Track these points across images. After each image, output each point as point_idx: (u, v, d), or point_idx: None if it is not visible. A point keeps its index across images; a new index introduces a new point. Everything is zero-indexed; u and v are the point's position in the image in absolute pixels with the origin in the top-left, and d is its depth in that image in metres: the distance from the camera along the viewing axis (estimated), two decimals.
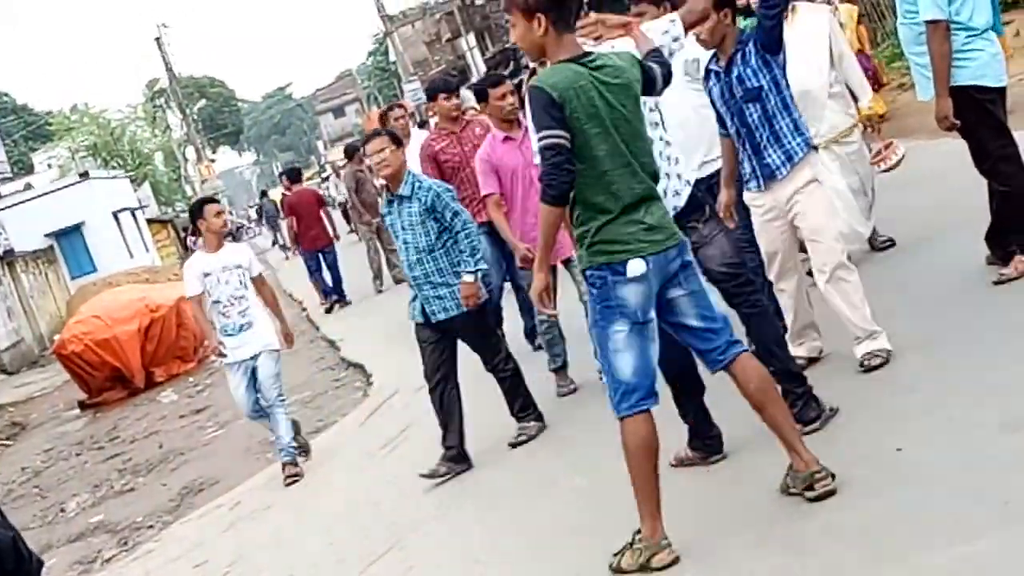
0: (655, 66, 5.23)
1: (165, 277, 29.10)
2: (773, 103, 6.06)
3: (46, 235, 40.58)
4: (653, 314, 4.98)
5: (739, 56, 6.04)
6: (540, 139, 4.86)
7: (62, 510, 11.77)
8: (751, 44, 6.04)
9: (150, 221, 50.76)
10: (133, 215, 46.86)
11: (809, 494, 5.00)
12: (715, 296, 5.18)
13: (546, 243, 4.96)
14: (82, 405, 18.76)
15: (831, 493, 4.97)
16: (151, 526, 10.15)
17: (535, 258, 5.06)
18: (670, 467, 5.70)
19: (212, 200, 9.82)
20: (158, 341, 18.92)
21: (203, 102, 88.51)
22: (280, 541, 7.93)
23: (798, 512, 4.96)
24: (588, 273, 4.98)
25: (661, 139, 5.67)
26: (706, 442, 5.87)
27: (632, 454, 4.93)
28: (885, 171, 8.35)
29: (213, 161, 55.19)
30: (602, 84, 4.90)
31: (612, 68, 4.95)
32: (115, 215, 43.94)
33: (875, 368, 6.15)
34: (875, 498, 4.83)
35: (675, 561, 4.86)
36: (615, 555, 5.02)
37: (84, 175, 44.70)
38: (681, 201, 5.68)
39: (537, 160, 4.95)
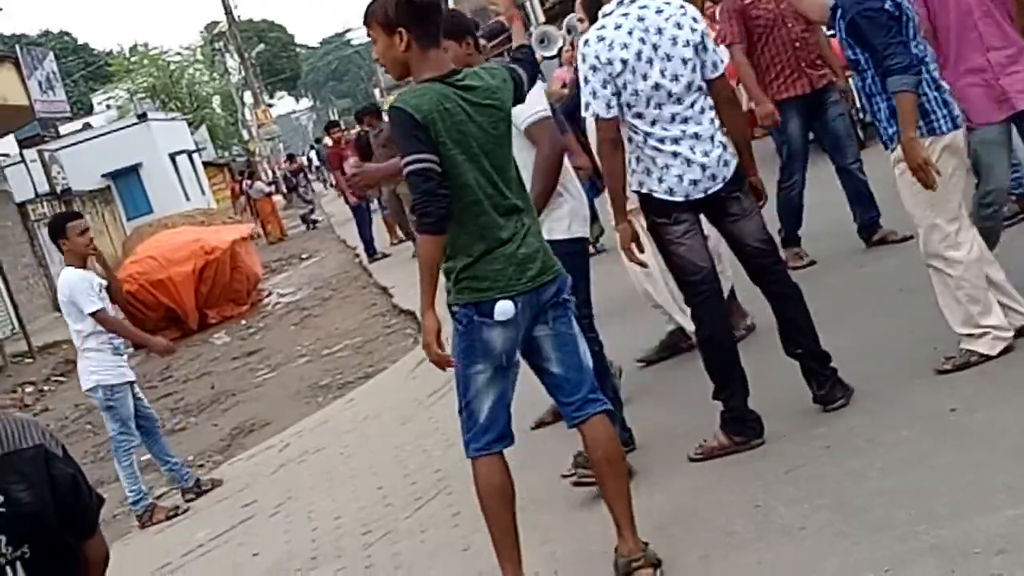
0: (520, 70, 4.95)
1: (220, 220, 29.31)
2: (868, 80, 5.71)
3: (103, 175, 40.89)
4: (518, 356, 4.70)
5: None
6: (406, 165, 4.50)
7: None
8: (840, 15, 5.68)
9: (206, 164, 51.03)
10: (190, 158, 47.10)
11: None
12: (584, 345, 4.83)
13: (430, 281, 4.53)
14: (135, 345, 18.96)
15: None
16: (202, 465, 10.26)
17: (423, 300, 4.59)
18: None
19: (76, 216, 9.10)
20: (212, 283, 19.04)
21: (261, 46, 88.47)
22: (329, 483, 7.98)
23: (848, 475, 4.93)
24: (454, 310, 4.67)
25: (711, 109, 5.58)
26: (750, 425, 5.65)
27: (483, 498, 4.70)
28: None
29: (270, 106, 55.30)
30: (471, 105, 4.57)
31: (482, 89, 4.62)
32: (172, 157, 44.19)
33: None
34: (928, 459, 4.80)
35: None
36: None
37: (142, 117, 44.95)
38: (729, 171, 5.57)
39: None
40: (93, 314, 8.40)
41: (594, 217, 11.39)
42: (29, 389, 17.63)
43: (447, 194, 4.47)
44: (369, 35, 4.73)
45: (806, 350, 5.68)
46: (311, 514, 7.45)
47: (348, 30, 70.73)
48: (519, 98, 4.90)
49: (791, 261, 8.29)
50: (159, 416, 9.56)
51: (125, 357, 8.71)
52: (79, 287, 8.40)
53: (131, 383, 8.63)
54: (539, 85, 5.63)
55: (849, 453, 5.15)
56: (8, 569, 2.97)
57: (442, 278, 4.59)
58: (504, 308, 4.55)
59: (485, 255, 4.55)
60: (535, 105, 5.64)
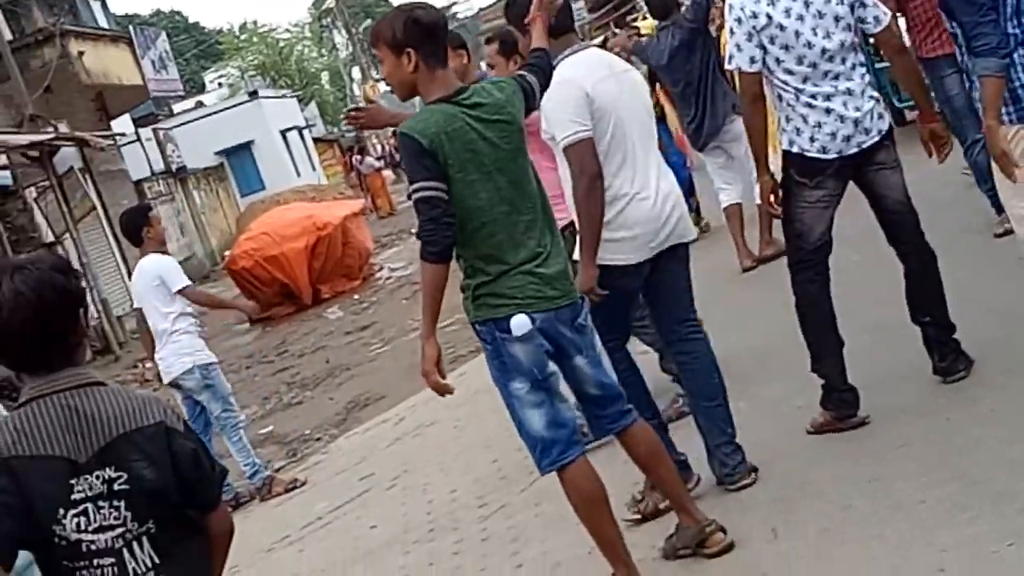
0: (531, 77, 4.86)
1: (331, 195, 29.56)
2: None
3: (216, 153, 41.46)
4: (553, 366, 4.63)
5: None
6: (413, 192, 4.51)
7: None
8: None
9: (316, 140, 51.48)
10: (300, 134, 47.56)
11: (705, 551, 4.83)
12: (608, 362, 4.86)
13: (432, 308, 4.55)
14: (251, 320, 19.26)
15: (728, 548, 4.82)
16: (318, 438, 10.40)
17: (425, 327, 4.59)
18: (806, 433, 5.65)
19: (149, 207, 9.55)
20: (325, 258, 19.24)
21: (369, 22, 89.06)
22: (443, 457, 8.05)
23: (969, 446, 4.86)
24: (476, 328, 4.66)
25: (863, 65, 5.48)
26: (843, 396, 5.57)
27: (576, 508, 4.69)
28: None
29: (378, 81, 55.40)
30: (480, 123, 4.52)
31: (490, 105, 4.57)
32: (283, 134, 44.66)
33: None
34: None
35: None
36: None
37: (253, 94, 45.49)
38: (884, 125, 5.47)
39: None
40: (182, 290, 8.57)
41: (691, 191, 11.25)
42: (149, 364, 17.97)
43: (452, 222, 4.47)
44: (375, 55, 4.74)
45: (934, 319, 5.59)
46: (427, 487, 7.52)
47: (454, 3, 70.72)
48: (530, 107, 4.84)
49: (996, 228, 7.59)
50: (276, 390, 9.71)
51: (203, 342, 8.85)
52: (169, 267, 8.61)
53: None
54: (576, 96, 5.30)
55: (970, 424, 5.08)
56: (135, 544, 3.04)
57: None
58: (520, 323, 4.53)
59: (503, 274, 4.55)
60: (572, 122, 5.23)
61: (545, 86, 4.94)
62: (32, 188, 21.03)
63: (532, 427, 4.63)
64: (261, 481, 8.76)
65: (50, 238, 20.64)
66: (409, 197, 5.03)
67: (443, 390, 4.65)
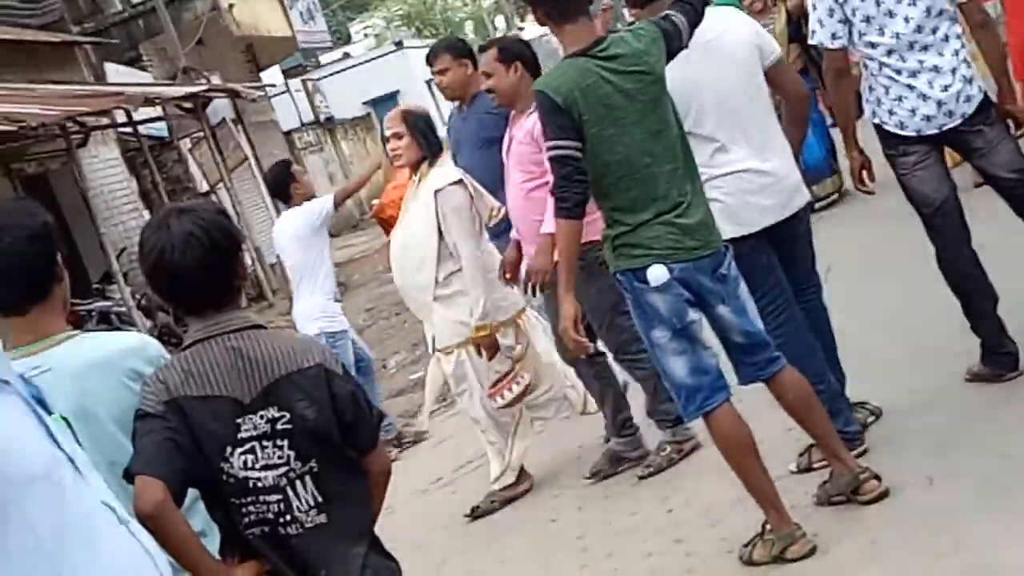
0: (677, 17, 4.73)
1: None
2: None
3: (364, 103, 41.89)
4: (693, 315, 4.63)
5: None
6: (547, 151, 4.59)
7: (383, 366, 12.27)
8: None
9: None
10: None
11: (859, 498, 4.76)
12: (754, 308, 4.81)
13: (568, 265, 4.64)
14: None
15: (883, 495, 4.74)
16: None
17: (563, 284, 4.68)
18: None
19: (290, 162, 9.44)
20: None
21: None
22: (594, 403, 8.07)
23: None
24: (617, 278, 4.69)
25: (958, 38, 5.29)
26: (999, 358, 5.44)
27: (724, 452, 4.69)
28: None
29: (522, 30, 55.33)
30: (617, 75, 4.51)
31: (627, 56, 4.54)
32: (428, 84, 44.89)
33: None
34: None
35: (812, 551, 4.59)
36: (744, 546, 4.76)
37: (399, 44, 45.82)
38: (970, 108, 5.26)
39: None
40: (338, 204, 8.78)
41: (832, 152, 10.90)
42: None
43: (583, 180, 4.53)
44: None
45: None
46: (576, 431, 7.54)
47: None
48: (675, 49, 4.74)
49: None
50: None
51: (340, 305, 8.85)
52: (315, 208, 8.55)
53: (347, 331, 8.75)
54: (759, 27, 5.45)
55: None
56: (298, 483, 3.12)
57: None
58: (657, 274, 4.54)
59: (641, 225, 4.56)
60: (767, 45, 5.35)
61: (696, 23, 4.84)
62: (186, 139, 21.48)
63: (675, 375, 4.67)
64: (394, 432, 8.81)
65: (204, 188, 21.07)
66: None
67: (581, 347, 4.75)
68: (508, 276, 6.34)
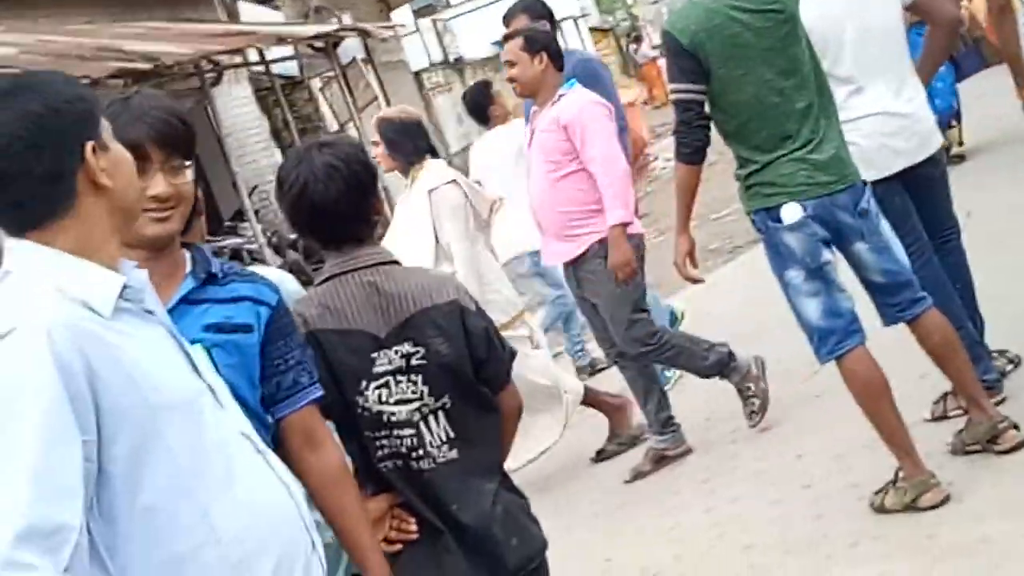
0: None
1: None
2: None
3: (492, 43, 41.72)
4: (828, 255, 4.58)
5: None
6: (670, 93, 4.58)
7: None
8: None
9: (591, 30, 51.29)
10: (575, 24, 47.45)
11: (996, 447, 4.64)
12: (899, 246, 4.71)
13: (684, 206, 4.73)
14: None
15: (1021, 445, 4.62)
16: None
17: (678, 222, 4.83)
18: None
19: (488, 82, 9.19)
20: None
21: None
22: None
23: None
24: (751, 218, 4.66)
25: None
26: None
27: (857, 397, 4.62)
28: None
29: None
30: (746, 13, 4.44)
31: None
32: (558, 23, 44.70)
33: None
34: None
35: (945, 500, 4.49)
36: (876, 493, 4.68)
37: None
38: None
39: None
40: None
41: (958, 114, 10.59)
42: None
43: (704, 125, 4.56)
44: None
45: None
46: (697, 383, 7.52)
47: None
48: None
49: None
50: None
51: None
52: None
53: None
54: None
55: None
56: (431, 418, 3.14)
57: None
58: (790, 212, 4.50)
59: (773, 163, 4.51)
60: None
61: None
62: (317, 78, 21.65)
63: (809, 317, 4.62)
64: (588, 361, 8.77)
65: (335, 127, 21.25)
66: None
67: (694, 279, 5.00)
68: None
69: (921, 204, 5.17)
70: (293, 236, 16.16)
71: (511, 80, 6.18)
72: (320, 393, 2.85)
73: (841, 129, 4.70)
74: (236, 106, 19.22)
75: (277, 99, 19.39)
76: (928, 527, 4.47)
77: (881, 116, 5.02)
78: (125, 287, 2.28)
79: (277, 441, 2.76)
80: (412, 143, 6.24)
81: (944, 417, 5.16)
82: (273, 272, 3.36)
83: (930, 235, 5.21)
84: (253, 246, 15.50)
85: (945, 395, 5.16)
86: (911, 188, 5.12)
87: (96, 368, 2.17)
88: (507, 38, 6.28)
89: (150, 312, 2.36)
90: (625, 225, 5.85)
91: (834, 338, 4.58)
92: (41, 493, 2.07)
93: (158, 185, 2.67)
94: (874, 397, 4.60)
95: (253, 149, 19.24)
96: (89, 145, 2.27)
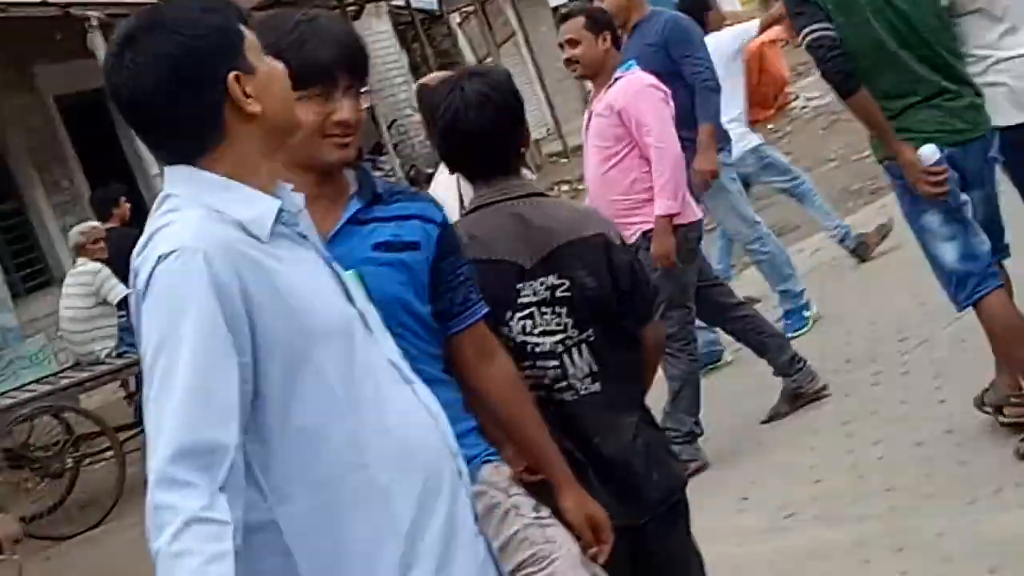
0: None
1: (747, 17, 28.96)
2: None
3: None
4: (964, 196, 4.57)
5: None
6: (802, 41, 4.53)
7: None
8: None
9: None
10: None
11: (1001, 418, 4.70)
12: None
13: (879, 127, 4.55)
14: None
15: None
16: (732, 265, 10.37)
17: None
18: None
19: None
20: None
21: None
22: (862, 289, 7.94)
23: None
24: (886, 164, 4.58)
25: None
26: None
27: (996, 341, 4.61)
28: None
29: None
30: None
31: None
32: None
33: None
34: None
35: None
36: (1021, 440, 4.60)
37: None
38: None
39: None
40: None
41: None
42: (564, 188, 18.43)
43: (844, 52, 4.45)
44: None
45: None
46: (843, 317, 7.43)
47: None
48: None
49: None
50: None
51: None
52: (739, 31, 8.91)
53: None
54: None
55: None
56: (574, 350, 3.14)
57: None
58: (927, 152, 4.43)
59: (907, 109, 4.49)
60: None
61: None
62: (456, 13, 21.71)
63: (946, 261, 4.59)
64: (856, 243, 8.67)
65: (473, 62, 21.30)
66: None
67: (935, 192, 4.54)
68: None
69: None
70: (430, 170, 16.27)
71: (569, 61, 5.95)
72: (488, 309, 2.85)
73: (975, 78, 4.64)
74: (376, 40, 19.34)
75: (416, 34, 19.49)
76: None
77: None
78: (281, 211, 2.31)
79: (448, 359, 2.77)
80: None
81: None
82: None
83: None
84: (392, 179, 15.63)
85: None
86: None
87: (252, 290, 2.20)
88: (566, 17, 6.05)
89: (304, 237, 2.38)
90: (671, 216, 5.65)
91: (973, 280, 4.55)
92: (199, 412, 2.11)
93: (345, 110, 2.65)
94: (1012, 339, 4.57)
95: (393, 83, 19.39)
96: (232, 76, 2.27)
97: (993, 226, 4.69)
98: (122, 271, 7.88)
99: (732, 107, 8.24)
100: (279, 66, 2.38)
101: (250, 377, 2.20)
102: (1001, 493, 4.51)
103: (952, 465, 4.89)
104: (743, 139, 8.42)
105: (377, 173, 13.84)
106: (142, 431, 7.92)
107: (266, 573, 2.27)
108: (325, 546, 2.29)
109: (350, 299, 2.41)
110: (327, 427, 2.29)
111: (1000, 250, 4.74)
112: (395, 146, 16.15)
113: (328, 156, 2.63)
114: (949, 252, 4.57)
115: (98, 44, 11.76)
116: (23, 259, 13.97)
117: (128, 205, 10.84)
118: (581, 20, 5.86)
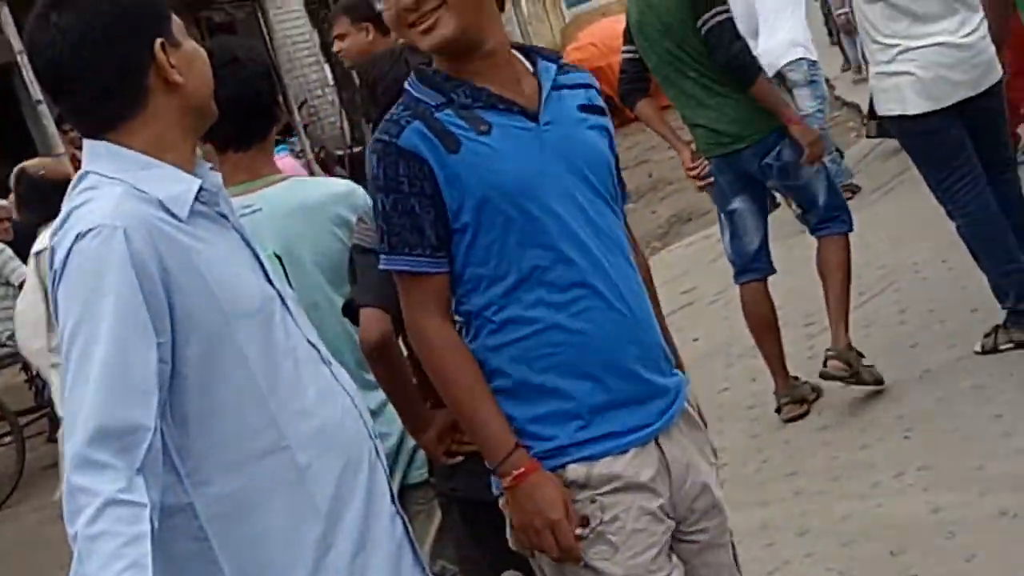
0: None
1: None
2: None
3: None
4: (734, 205, 5.60)
5: None
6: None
7: None
8: None
9: None
10: None
11: (821, 370, 5.36)
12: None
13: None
14: None
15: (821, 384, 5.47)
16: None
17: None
18: None
19: None
20: None
21: None
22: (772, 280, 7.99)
23: None
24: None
25: None
26: None
27: (749, 327, 5.78)
28: None
29: None
30: None
31: None
32: None
33: None
34: None
35: None
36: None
37: None
38: None
39: None
40: None
41: None
42: None
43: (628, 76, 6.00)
44: None
45: None
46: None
47: None
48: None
49: None
50: None
51: None
52: None
53: None
54: None
55: None
56: None
57: None
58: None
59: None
60: None
61: None
62: None
63: (726, 248, 5.91)
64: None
65: None
66: None
67: None
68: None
69: (977, 136, 5.15)
70: (340, 152, 16.17)
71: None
72: None
73: (882, 67, 5.06)
74: (287, 19, 19.17)
75: (327, 13, 19.30)
76: None
77: (942, 47, 4.98)
78: (201, 189, 2.30)
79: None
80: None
81: (995, 350, 5.15)
82: (343, 184, 3.36)
83: (985, 167, 5.18)
84: (301, 160, 15.51)
85: (996, 328, 5.14)
86: (967, 120, 5.09)
87: (171, 269, 2.19)
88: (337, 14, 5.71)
89: (224, 216, 2.37)
90: None
91: (735, 269, 5.82)
92: (116, 393, 2.10)
93: None
94: (759, 331, 5.47)
95: (303, 63, 19.22)
96: (158, 42, 2.28)
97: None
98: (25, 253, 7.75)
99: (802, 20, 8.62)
100: (202, 50, 2.39)
101: (168, 357, 2.19)
102: (902, 476, 4.59)
103: (855, 450, 4.97)
104: (809, 46, 8.66)
105: (286, 153, 13.70)
106: (43, 416, 7.96)
107: (180, 557, 2.26)
108: (244, 528, 2.28)
109: (268, 279, 2.40)
110: (246, 409, 2.29)
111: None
112: (305, 127, 16.01)
113: (421, 44, 2.44)
114: (726, 242, 5.73)
115: (6, 20, 11.53)
116: None
117: None
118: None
